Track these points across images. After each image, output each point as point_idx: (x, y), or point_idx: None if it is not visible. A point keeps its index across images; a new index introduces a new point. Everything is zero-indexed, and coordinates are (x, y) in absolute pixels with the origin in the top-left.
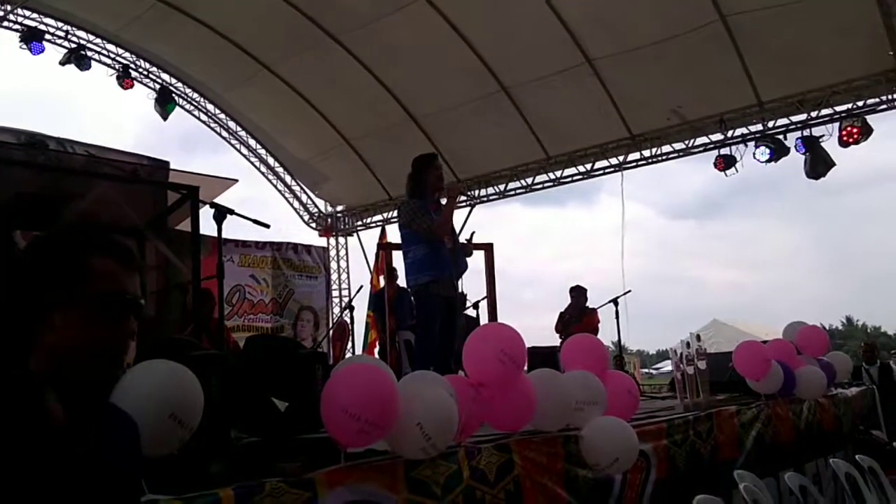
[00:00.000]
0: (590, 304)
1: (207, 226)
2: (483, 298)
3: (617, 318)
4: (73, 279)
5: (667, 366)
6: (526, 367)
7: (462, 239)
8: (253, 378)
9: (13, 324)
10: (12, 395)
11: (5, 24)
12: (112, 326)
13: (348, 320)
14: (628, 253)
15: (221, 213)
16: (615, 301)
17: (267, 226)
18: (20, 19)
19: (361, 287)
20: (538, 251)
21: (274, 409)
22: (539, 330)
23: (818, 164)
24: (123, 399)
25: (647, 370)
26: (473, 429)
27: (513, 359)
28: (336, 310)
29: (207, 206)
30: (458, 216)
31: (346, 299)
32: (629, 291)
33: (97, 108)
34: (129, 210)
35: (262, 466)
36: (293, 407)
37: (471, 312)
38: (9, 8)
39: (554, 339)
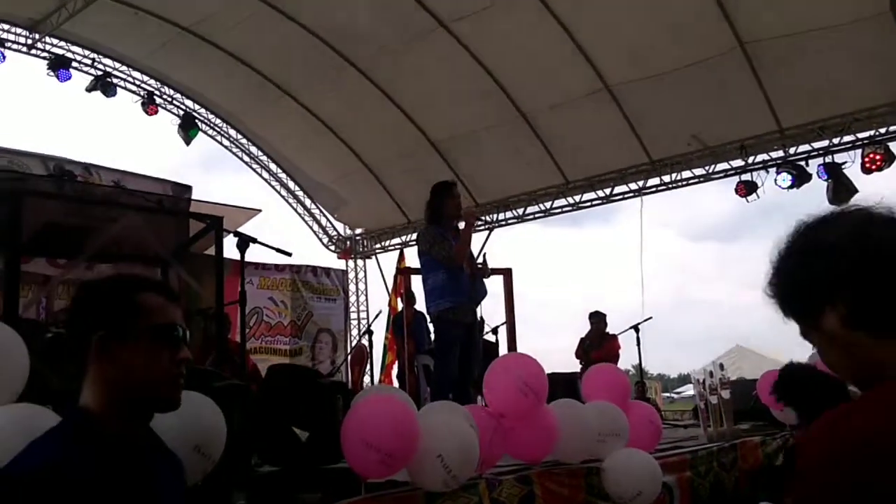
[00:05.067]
0: (610, 329)
1: (229, 250)
2: (502, 324)
3: (638, 343)
4: (130, 315)
5: (688, 389)
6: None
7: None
8: (274, 408)
9: (73, 363)
10: (76, 433)
11: (34, 51)
12: (171, 354)
13: (366, 344)
14: (648, 276)
15: (245, 242)
16: (636, 327)
17: (289, 254)
18: (48, 47)
19: (380, 312)
20: (556, 272)
21: (295, 439)
22: (557, 353)
23: (841, 191)
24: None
25: (668, 394)
26: (495, 460)
27: (534, 390)
28: (354, 332)
29: (231, 234)
30: (477, 240)
31: (364, 322)
32: (650, 318)
33: (122, 132)
34: (152, 238)
35: (282, 496)
36: (314, 437)
37: (490, 338)
38: (37, 36)
39: (572, 362)
